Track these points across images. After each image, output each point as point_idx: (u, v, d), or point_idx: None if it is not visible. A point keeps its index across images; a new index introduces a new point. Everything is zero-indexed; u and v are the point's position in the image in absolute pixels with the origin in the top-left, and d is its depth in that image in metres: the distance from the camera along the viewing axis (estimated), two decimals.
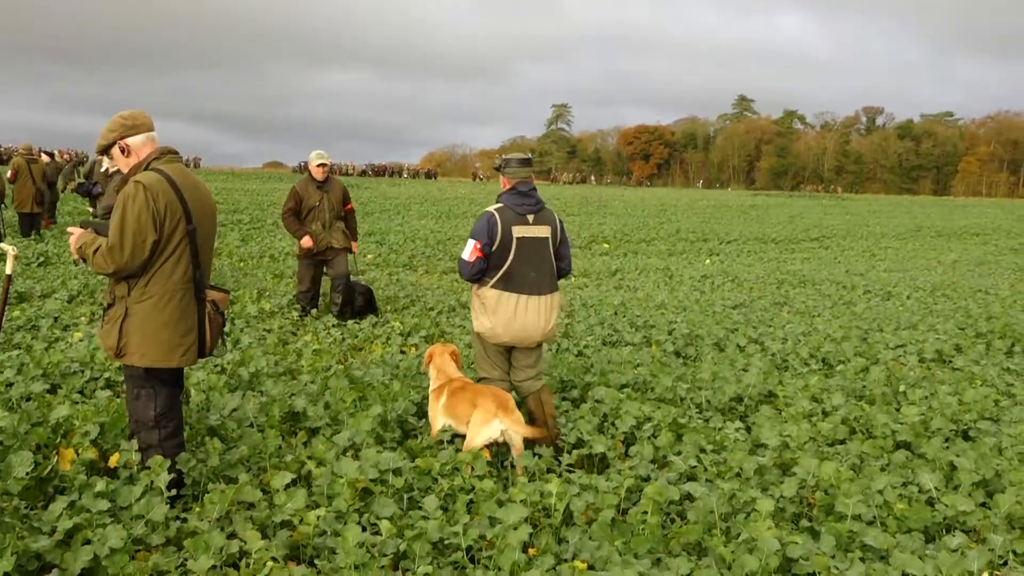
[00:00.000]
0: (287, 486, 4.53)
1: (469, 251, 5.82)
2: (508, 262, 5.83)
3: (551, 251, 6.02)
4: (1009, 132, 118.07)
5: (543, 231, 5.98)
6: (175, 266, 4.42)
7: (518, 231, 5.85)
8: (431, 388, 5.96)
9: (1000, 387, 7.87)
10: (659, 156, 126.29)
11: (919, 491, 5.01)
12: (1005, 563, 4.22)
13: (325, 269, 10.68)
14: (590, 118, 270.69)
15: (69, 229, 4.58)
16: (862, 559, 4.05)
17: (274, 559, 3.91)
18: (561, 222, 6.21)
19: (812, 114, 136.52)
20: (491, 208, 5.90)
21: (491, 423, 5.36)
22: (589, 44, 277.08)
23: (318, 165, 10.56)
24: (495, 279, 5.85)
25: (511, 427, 5.37)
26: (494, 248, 5.80)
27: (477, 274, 5.86)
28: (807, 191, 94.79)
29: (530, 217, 5.93)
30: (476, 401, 5.49)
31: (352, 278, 10.79)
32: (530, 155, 6.19)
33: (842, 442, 6.15)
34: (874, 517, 4.62)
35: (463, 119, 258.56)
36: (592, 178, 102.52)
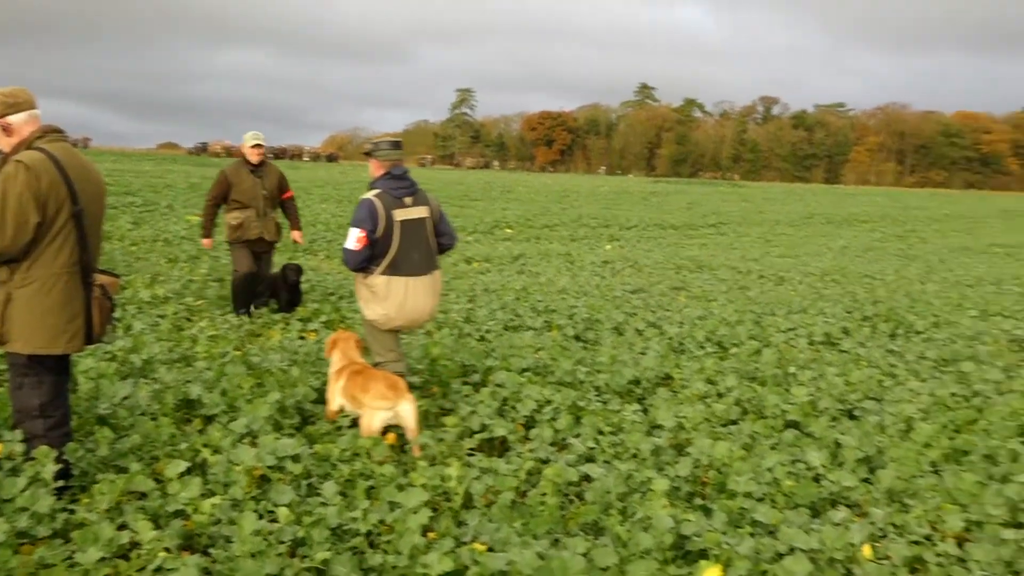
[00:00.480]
0: (181, 475, 4.44)
1: (353, 240, 5.83)
2: (394, 247, 5.90)
3: (430, 231, 6.13)
4: (897, 124, 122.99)
5: (422, 211, 6.07)
6: (60, 249, 4.27)
7: (399, 215, 5.90)
8: (332, 370, 5.95)
9: (884, 368, 8.21)
10: (562, 142, 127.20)
11: (806, 468, 5.20)
12: (885, 536, 4.42)
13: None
14: (494, 103, 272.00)
15: None
16: (752, 535, 4.19)
17: (167, 549, 3.84)
18: (436, 200, 6.35)
19: (711, 103, 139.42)
20: (369, 195, 5.90)
21: (385, 405, 5.42)
22: (493, 28, 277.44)
23: (253, 146, 9.62)
24: (383, 266, 5.93)
25: (404, 407, 5.44)
26: (378, 235, 5.81)
27: (363, 262, 5.87)
28: (705, 178, 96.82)
29: (408, 200, 5.99)
30: (369, 385, 5.52)
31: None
32: (400, 139, 6.29)
33: (735, 422, 6.33)
34: (764, 494, 4.79)
35: (365, 101, 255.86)
36: (495, 163, 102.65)
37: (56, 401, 4.44)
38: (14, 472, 4.33)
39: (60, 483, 4.28)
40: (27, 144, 4.29)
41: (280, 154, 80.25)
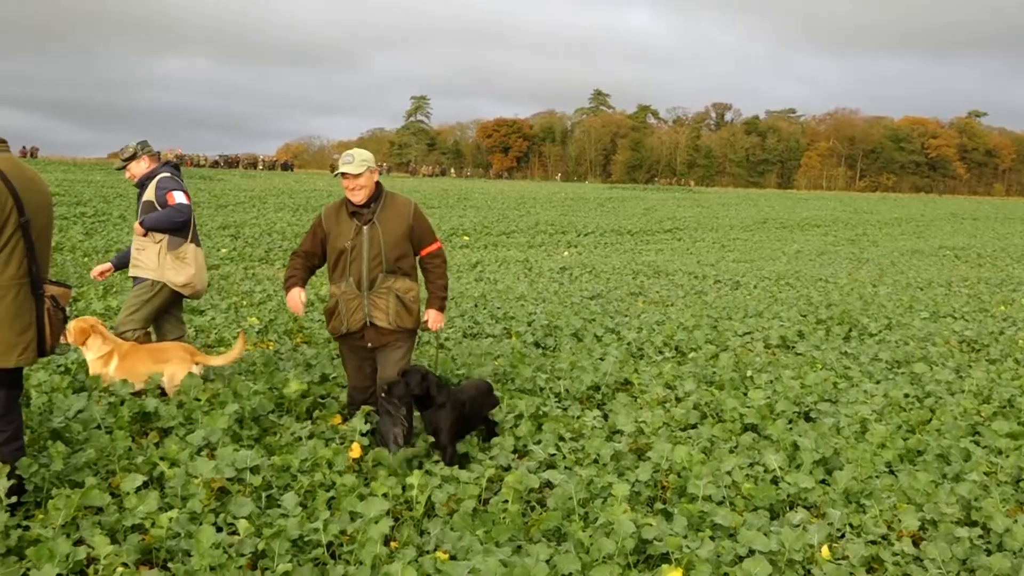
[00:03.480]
0: (138, 489, 4.37)
1: (183, 197, 6.85)
2: (193, 220, 7.02)
3: None
4: (846, 129, 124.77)
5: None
6: (8, 261, 4.18)
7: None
8: (95, 356, 6.42)
9: (838, 370, 8.33)
10: (518, 149, 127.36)
11: (764, 471, 5.26)
12: (843, 535, 4.49)
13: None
14: (448, 110, 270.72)
15: None
16: (712, 538, 4.23)
17: (124, 564, 3.78)
18: None
19: (665, 109, 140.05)
20: (166, 174, 6.98)
21: (190, 367, 6.42)
22: (444, 34, 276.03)
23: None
24: (189, 236, 6.93)
25: (207, 363, 6.62)
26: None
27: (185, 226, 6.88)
28: (661, 184, 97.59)
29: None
30: (166, 356, 6.48)
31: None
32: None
33: (694, 426, 6.39)
34: (723, 497, 4.83)
35: (318, 109, 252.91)
36: (452, 171, 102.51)
37: (9, 416, 4.36)
38: None
39: (13, 499, 4.20)
40: None
41: (234, 163, 79.43)
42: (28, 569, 3.66)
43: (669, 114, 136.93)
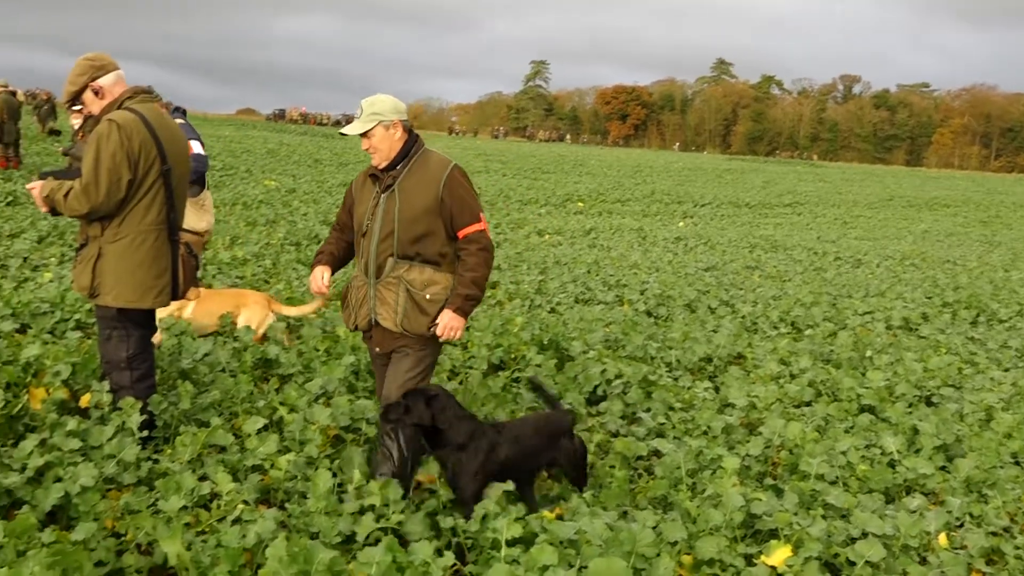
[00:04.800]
0: (259, 431, 4.54)
1: (200, 147, 6.77)
2: None
3: None
4: (983, 105, 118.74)
5: None
6: (149, 207, 4.37)
7: None
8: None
9: (964, 355, 8.01)
10: (636, 117, 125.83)
11: (881, 453, 5.11)
12: (961, 525, 4.33)
13: None
14: (567, 75, 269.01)
15: (28, 186, 4.52)
16: (824, 517, 4.13)
17: (245, 502, 3.93)
18: None
19: (790, 80, 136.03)
20: (181, 121, 6.67)
21: (267, 312, 6.58)
22: None
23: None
24: (205, 183, 6.97)
25: (280, 312, 6.72)
26: None
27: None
28: (782, 157, 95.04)
29: None
30: (244, 300, 6.66)
31: None
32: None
33: (808, 404, 6.25)
34: (837, 477, 4.72)
35: (437, 71, 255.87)
36: (568, 137, 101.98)
37: (143, 354, 4.56)
38: (102, 421, 4.48)
39: (144, 433, 4.40)
40: (118, 104, 4.39)
41: (351, 122, 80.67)
42: (156, 499, 3.84)
43: (794, 85, 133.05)
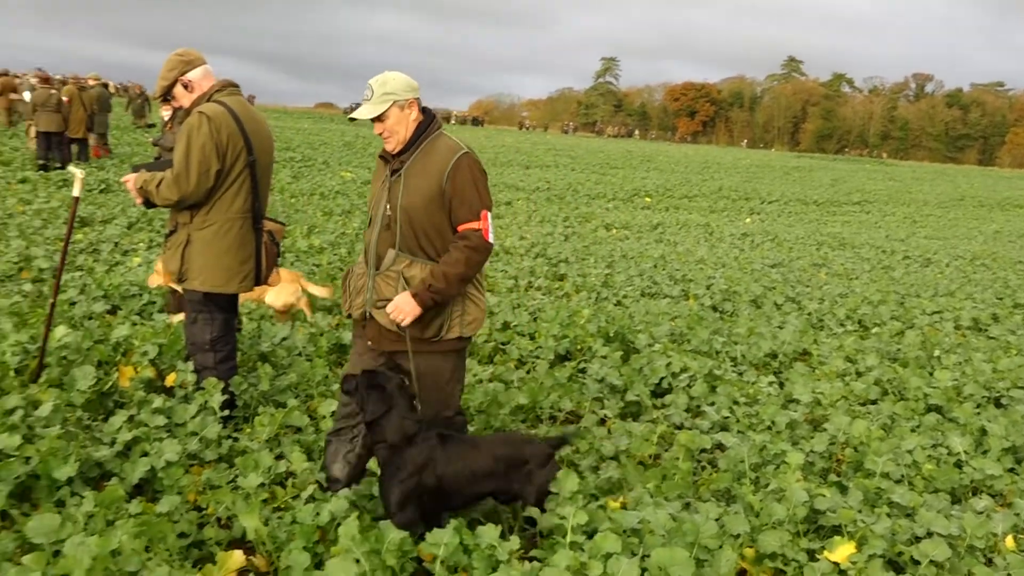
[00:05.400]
0: (332, 413, 4.60)
1: None
2: None
3: None
4: None
5: None
6: (235, 196, 4.47)
7: None
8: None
9: None
10: (705, 114, 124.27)
11: (948, 453, 4.98)
12: None
13: None
14: (637, 72, 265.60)
15: (122, 179, 4.66)
16: (888, 515, 4.04)
17: (317, 482, 4.00)
18: None
19: (861, 78, 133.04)
20: None
21: (297, 289, 6.68)
22: None
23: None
24: None
25: (306, 288, 6.88)
26: None
27: None
28: (851, 155, 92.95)
29: None
30: (277, 278, 6.47)
31: None
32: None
33: (874, 402, 6.12)
34: (902, 476, 4.61)
35: (509, 67, 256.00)
36: (636, 133, 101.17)
37: (226, 337, 4.67)
38: (186, 399, 4.61)
39: (225, 412, 4.52)
40: (207, 97, 4.49)
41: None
42: (236, 476, 3.93)
43: (865, 83, 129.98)
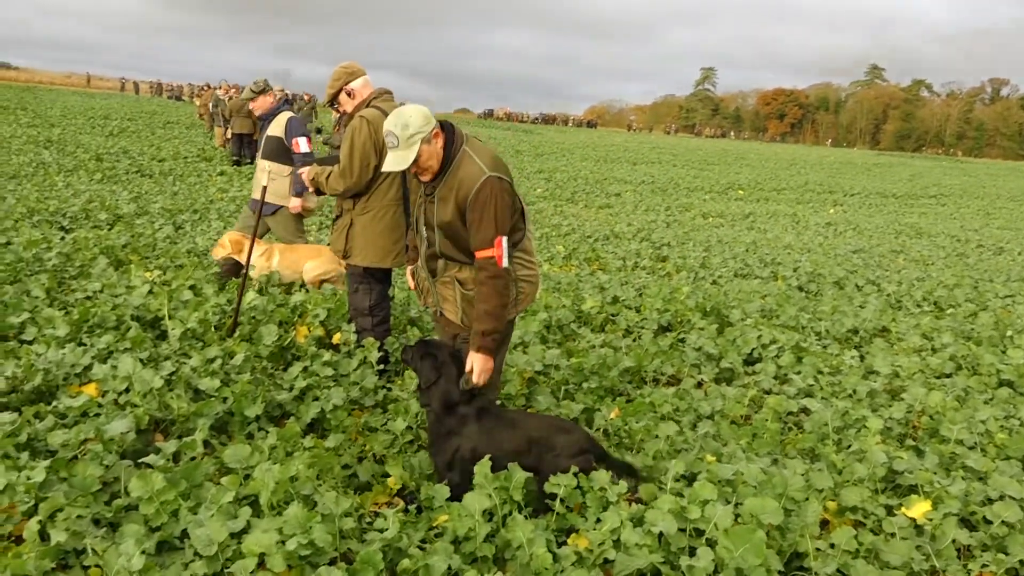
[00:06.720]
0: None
1: (307, 144, 6.37)
2: None
3: None
4: None
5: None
6: (390, 186, 4.54)
7: None
8: (256, 255, 6.11)
9: None
10: (792, 116, 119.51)
11: (1020, 424, 4.65)
12: None
13: None
14: (732, 80, 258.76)
15: (299, 171, 4.80)
16: (963, 478, 3.81)
17: None
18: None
19: (939, 83, 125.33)
20: (291, 113, 6.45)
21: (335, 266, 6.22)
22: (731, 9, 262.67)
23: None
24: None
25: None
26: None
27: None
28: (928, 153, 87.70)
29: None
30: (319, 253, 6.32)
31: None
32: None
33: (949, 376, 5.77)
34: (975, 443, 4.33)
35: (619, 76, 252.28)
36: (731, 133, 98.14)
37: (381, 304, 4.77)
38: (349, 355, 4.72)
39: (381, 367, 4.61)
40: (366, 103, 4.56)
41: (550, 120, 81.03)
42: (388, 419, 4.02)
43: (943, 88, 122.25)
